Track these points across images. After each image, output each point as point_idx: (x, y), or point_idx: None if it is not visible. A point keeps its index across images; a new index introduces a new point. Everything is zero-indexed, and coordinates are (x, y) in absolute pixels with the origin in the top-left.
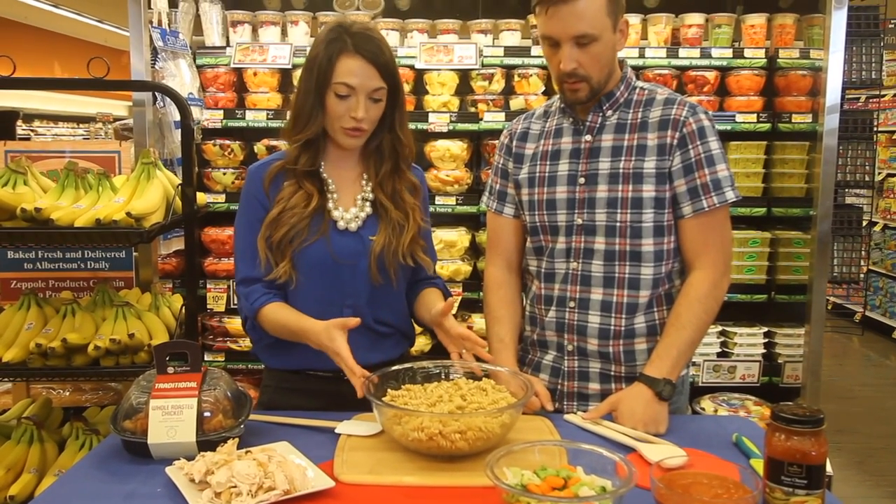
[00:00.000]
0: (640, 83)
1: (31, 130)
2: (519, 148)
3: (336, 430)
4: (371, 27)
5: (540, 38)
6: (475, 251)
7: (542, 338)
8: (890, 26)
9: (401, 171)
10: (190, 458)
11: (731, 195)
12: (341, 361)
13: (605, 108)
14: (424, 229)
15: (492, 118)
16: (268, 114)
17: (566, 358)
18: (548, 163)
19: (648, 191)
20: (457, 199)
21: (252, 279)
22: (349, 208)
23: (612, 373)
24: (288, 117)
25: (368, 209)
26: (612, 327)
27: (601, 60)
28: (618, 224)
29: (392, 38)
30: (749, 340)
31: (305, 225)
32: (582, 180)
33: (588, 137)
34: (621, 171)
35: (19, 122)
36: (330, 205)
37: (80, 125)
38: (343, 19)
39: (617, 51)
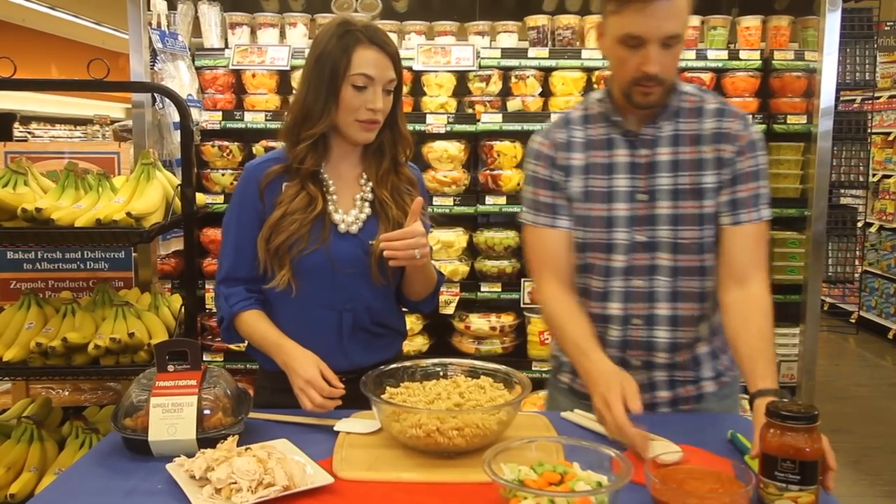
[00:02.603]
0: (686, 88)
1: (28, 133)
2: (565, 159)
3: (335, 428)
4: (373, 23)
5: (615, 38)
6: (472, 251)
7: None
8: (884, 28)
9: (399, 167)
10: (190, 456)
11: (765, 213)
12: (308, 386)
13: (659, 119)
14: (424, 224)
15: (489, 119)
16: (266, 115)
17: (631, 372)
18: (602, 176)
19: (709, 206)
20: (454, 200)
21: (234, 279)
22: (349, 210)
23: (680, 378)
24: (288, 117)
25: (368, 210)
26: (682, 340)
27: (676, 62)
28: (683, 241)
29: None
30: None
31: (306, 231)
32: (644, 197)
33: (644, 151)
34: (683, 186)
35: (16, 125)
36: (330, 207)
37: (78, 127)
38: (345, 16)
39: None
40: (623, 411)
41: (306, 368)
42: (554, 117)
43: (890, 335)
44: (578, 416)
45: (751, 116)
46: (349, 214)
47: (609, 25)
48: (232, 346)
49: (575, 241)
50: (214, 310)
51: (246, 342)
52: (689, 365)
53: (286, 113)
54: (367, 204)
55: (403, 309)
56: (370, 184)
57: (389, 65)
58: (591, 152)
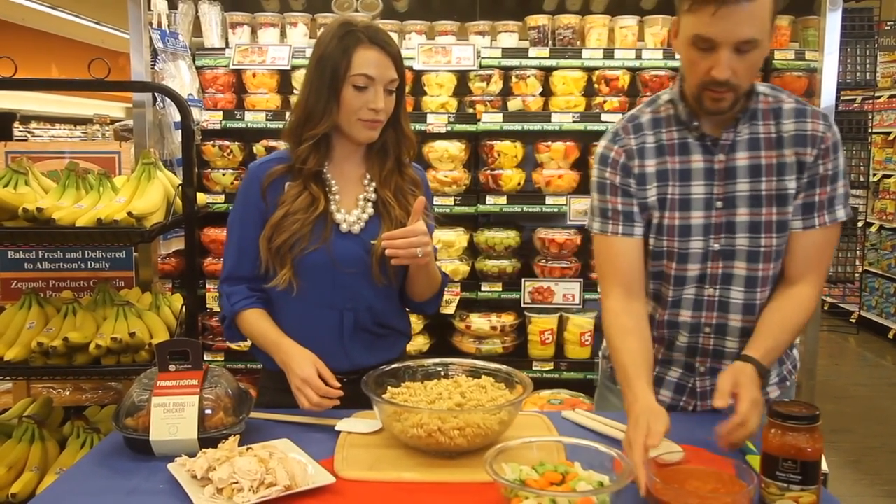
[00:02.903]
0: (761, 88)
1: (28, 132)
2: (639, 167)
3: (336, 428)
4: (374, 24)
5: (687, 39)
6: (473, 251)
7: (668, 357)
8: (885, 28)
9: (403, 167)
10: (192, 455)
11: (841, 214)
12: (304, 385)
13: (739, 123)
14: (428, 225)
15: (490, 119)
16: (267, 115)
17: (696, 377)
18: (678, 183)
19: (791, 212)
20: (455, 200)
21: (237, 278)
22: (351, 210)
23: None
24: (291, 117)
25: (370, 210)
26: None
27: (753, 69)
28: (762, 249)
29: None
30: None
31: (308, 231)
32: (719, 204)
33: (721, 157)
34: (763, 192)
35: (16, 124)
36: (332, 207)
37: (77, 127)
38: (347, 17)
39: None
40: (641, 454)
41: (303, 367)
42: (556, 117)
43: (890, 335)
44: (580, 415)
45: None
46: (351, 214)
47: (682, 24)
48: (233, 346)
49: (652, 249)
50: (217, 309)
51: (249, 341)
52: None
53: (289, 113)
54: (369, 204)
55: (407, 310)
56: (373, 184)
57: (390, 64)
58: (665, 158)
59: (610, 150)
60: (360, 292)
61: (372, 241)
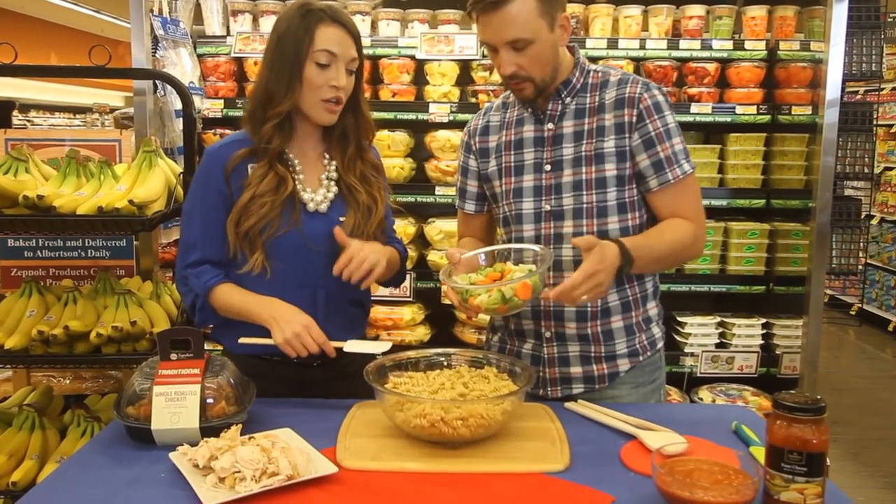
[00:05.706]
0: (593, 66)
1: (27, 121)
2: (482, 143)
3: (345, 349)
4: (334, 4)
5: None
6: None
7: (519, 327)
8: (890, 19)
9: (364, 152)
10: (193, 445)
11: (687, 167)
12: (306, 331)
13: (563, 95)
14: (388, 205)
15: None
16: None
17: (545, 345)
18: (512, 152)
19: (611, 170)
20: None
21: (203, 262)
22: (317, 189)
23: (593, 354)
24: (249, 101)
25: (334, 189)
26: (589, 309)
27: (541, 60)
28: (584, 206)
29: (393, 28)
30: (747, 332)
31: (276, 214)
32: (548, 167)
33: (550, 125)
34: (584, 153)
35: (15, 112)
36: (298, 186)
37: (77, 116)
38: None
39: (559, 46)
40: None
41: (303, 316)
42: None
43: (890, 327)
44: (583, 406)
45: (755, 107)
46: (318, 194)
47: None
48: None
49: (500, 217)
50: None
51: (215, 323)
52: (600, 338)
53: (246, 100)
54: (332, 183)
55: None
56: (334, 163)
57: (352, 43)
58: (504, 132)
59: (463, 135)
60: (331, 269)
61: (341, 218)
